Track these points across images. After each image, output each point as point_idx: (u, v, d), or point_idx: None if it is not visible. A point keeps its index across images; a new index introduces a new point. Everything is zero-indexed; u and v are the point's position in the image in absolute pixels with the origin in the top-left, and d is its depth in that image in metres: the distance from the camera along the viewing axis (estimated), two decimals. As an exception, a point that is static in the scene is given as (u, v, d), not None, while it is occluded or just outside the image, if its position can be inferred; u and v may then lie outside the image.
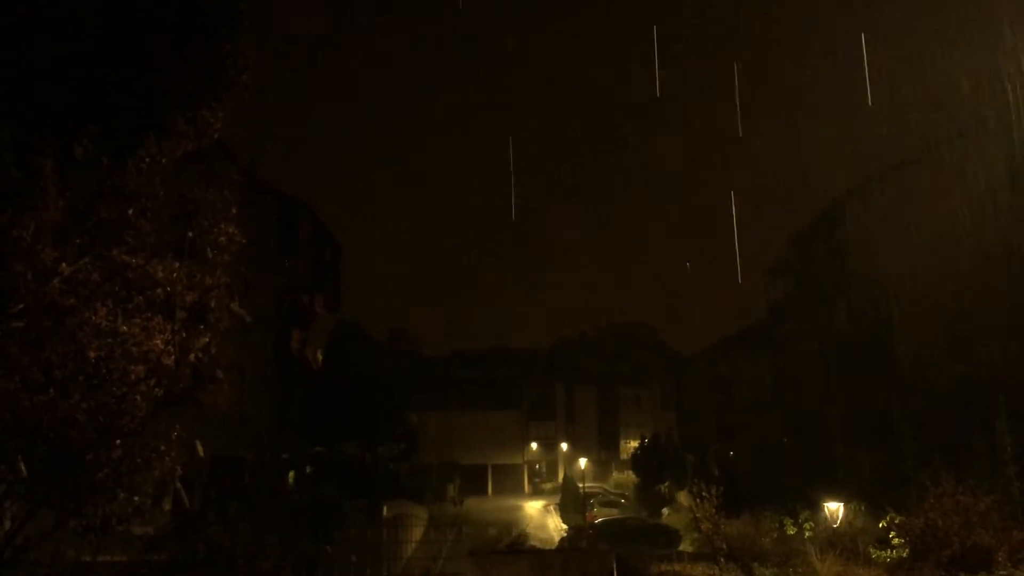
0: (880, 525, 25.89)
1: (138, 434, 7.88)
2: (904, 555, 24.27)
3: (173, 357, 8.24)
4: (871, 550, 25.25)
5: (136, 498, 8.12)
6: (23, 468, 7.25)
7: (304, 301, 37.93)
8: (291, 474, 27.01)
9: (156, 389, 8.17)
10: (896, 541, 24.64)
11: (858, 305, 42.25)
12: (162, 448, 8.19)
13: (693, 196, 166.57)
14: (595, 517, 45.60)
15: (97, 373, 8.20)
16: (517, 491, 70.40)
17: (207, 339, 8.52)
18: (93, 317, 8.25)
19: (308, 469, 28.27)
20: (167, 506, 8.31)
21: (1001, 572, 21.24)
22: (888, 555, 24.82)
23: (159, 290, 8.83)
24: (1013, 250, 30.58)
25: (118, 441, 7.93)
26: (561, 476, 67.15)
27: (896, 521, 24.98)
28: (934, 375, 32.94)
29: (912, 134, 33.40)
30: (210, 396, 8.25)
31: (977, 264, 32.25)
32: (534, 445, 75.15)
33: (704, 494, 27.68)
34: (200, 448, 8.31)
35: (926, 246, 35.10)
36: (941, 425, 29.72)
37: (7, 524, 7.52)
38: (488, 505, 58.01)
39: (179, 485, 8.20)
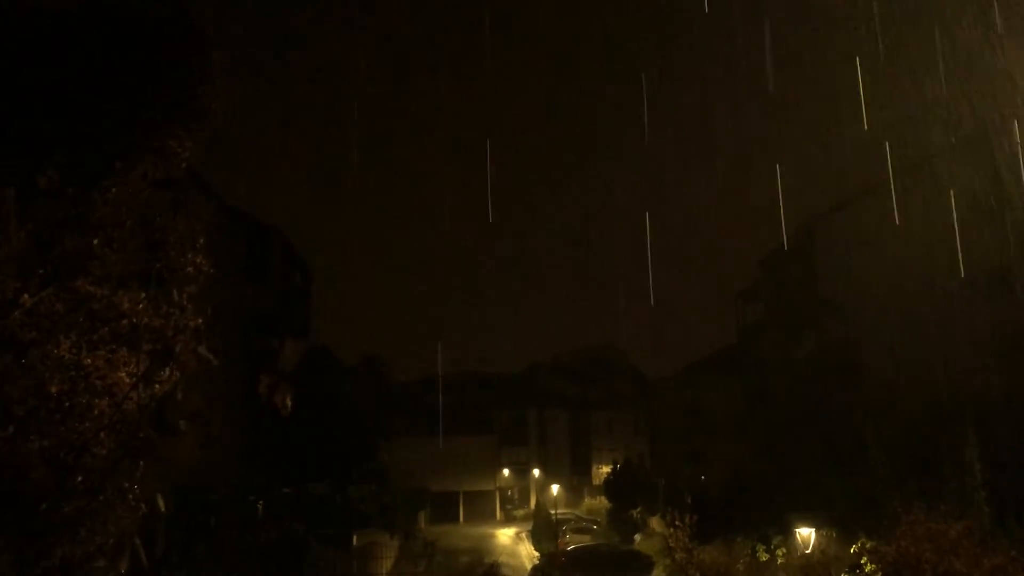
0: (852, 550, 25.89)
1: (102, 472, 7.65)
2: (877, 582, 24.24)
3: (135, 398, 8.02)
4: (843, 576, 25.22)
5: (98, 537, 7.86)
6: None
7: (274, 344, 37.46)
8: (259, 509, 26.56)
9: (122, 427, 7.95)
10: (869, 568, 24.63)
11: (828, 329, 42.57)
12: (125, 486, 7.96)
13: (664, 220, 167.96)
14: (567, 544, 45.32)
15: (59, 408, 7.97)
16: (489, 518, 69.86)
17: (176, 376, 8.33)
18: (56, 350, 8.03)
19: (275, 509, 27.85)
20: (124, 565, 8.04)
21: (974, 599, 21.24)
22: (861, 582, 24.78)
23: (124, 321, 8.62)
24: (982, 274, 30.97)
25: (80, 479, 7.68)
26: (533, 502, 66.73)
27: (868, 547, 24.99)
28: (903, 400, 33.18)
29: (881, 158, 33.81)
30: (172, 448, 8.04)
31: (946, 288, 32.61)
32: (506, 471, 74.72)
33: (677, 523, 27.56)
34: (161, 503, 8.09)
35: (895, 270, 35.49)
36: (911, 450, 29.86)
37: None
38: (460, 532, 57.49)
39: (138, 541, 7.95)
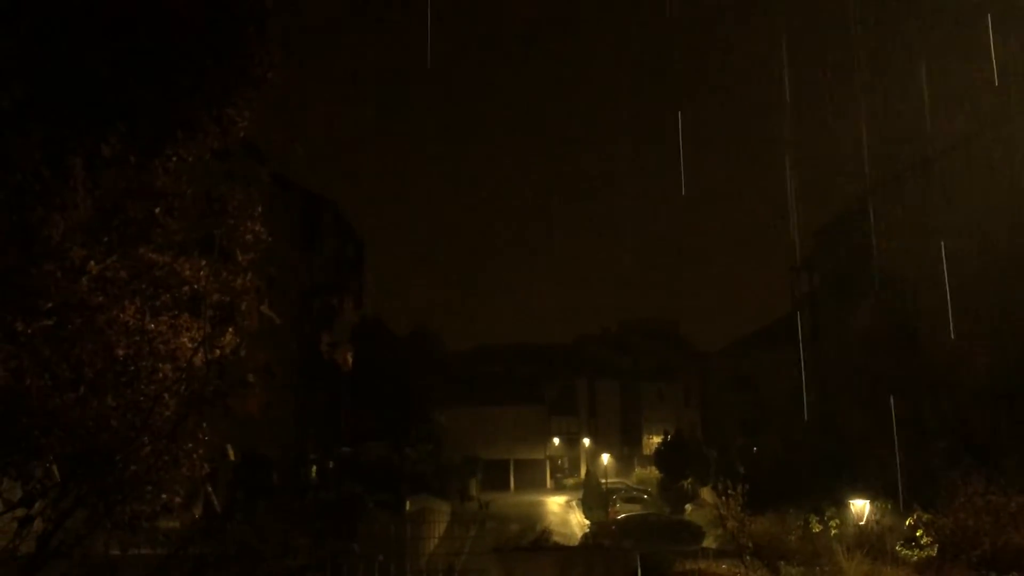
0: (907, 523, 25.60)
1: (168, 433, 7.88)
2: (932, 554, 23.99)
3: (201, 355, 8.23)
4: (899, 549, 24.97)
5: (164, 496, 8.12)
6: (56, 473, 7.28)
7: (334, 303, 38.05)
8: (313, 470, 27.15)
9: (186, 389, 8.17)
10: (925, 540, 24.36)
11: (884, 301, 41.82)
12: (189, 446, 8.18)
13: (718, 191, 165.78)
14: (618, 513, 45.55)
15: (126, 371, 8.21)
16: (539, 486, 70.42)
17: (237, 339, 8.51)
18: (121, 315, 8.24)
19: (331, 465, 28.38)
20: (198, 511, 8.30)
21: (1032, 572, 20.94)
22: (916, 554, 24.53)
23: (186, 288, 8.81)
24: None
25: (146, 439, 7.92)
26: (583, 472, 67.07)
27: (924, 519, 24.70)
28: (963, 373, 32.52)
29: (939, 128, 32.94)
30: (241, 400, 8.22)
31: (1006, 260, 31.78)
32: (556, 440, 75.10)
33: (730, 491, 27.49)
34: (231, 452, 8.30)
35: (954, 241, 34.67)
36: (970, 423, 29.33)
37: (38, 525, 7.55)
38: (510, 500, 58.09)
39: (210, 489, 8.19)
